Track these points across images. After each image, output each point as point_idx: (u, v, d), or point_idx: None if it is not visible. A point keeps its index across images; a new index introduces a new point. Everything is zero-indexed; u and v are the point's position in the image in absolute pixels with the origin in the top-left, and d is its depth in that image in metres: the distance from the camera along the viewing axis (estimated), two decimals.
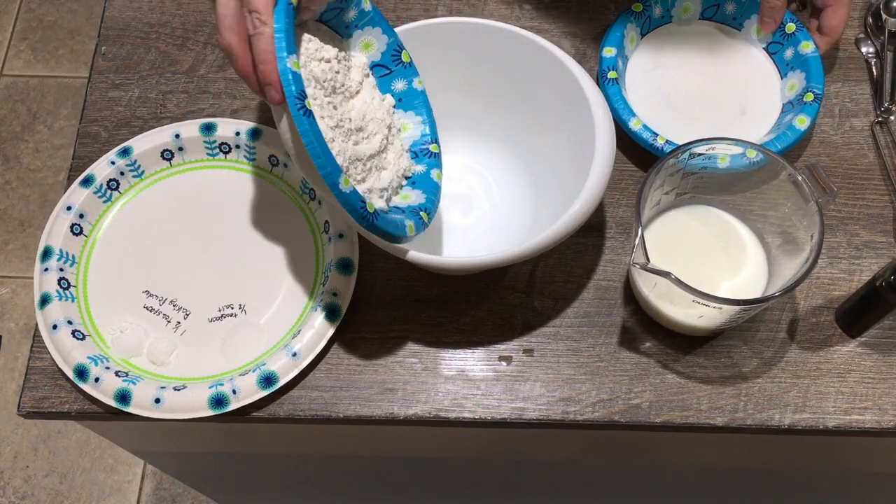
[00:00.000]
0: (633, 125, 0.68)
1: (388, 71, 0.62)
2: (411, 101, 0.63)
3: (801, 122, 0.68)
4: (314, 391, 0.64)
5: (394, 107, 0.63)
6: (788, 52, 0.72)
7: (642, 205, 0.58)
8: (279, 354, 0.63)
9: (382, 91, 0.62)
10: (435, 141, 0.63)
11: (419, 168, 0.62)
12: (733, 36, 0.75)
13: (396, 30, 0.63)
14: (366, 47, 0.62)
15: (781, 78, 0.73)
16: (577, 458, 0.83)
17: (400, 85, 0.63)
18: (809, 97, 0.69)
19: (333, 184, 0.51)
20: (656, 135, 0.68)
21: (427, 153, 0.63)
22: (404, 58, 0.62)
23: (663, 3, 0.74)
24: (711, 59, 0.74)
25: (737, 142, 0.60)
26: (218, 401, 0.62)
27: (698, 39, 0.75)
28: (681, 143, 0.66)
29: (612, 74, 0.71)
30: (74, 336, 0.64)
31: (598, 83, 0.72)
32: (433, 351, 0.66)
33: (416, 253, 0.58)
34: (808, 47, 0.71)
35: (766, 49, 0.74)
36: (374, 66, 0.62)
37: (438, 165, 0.63)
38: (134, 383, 0.62)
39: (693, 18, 0.75)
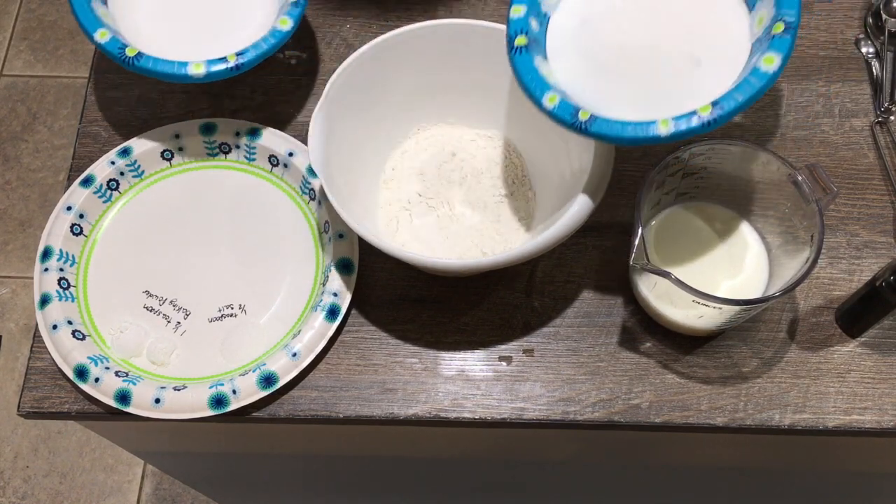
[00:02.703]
0: (548, 102, 0.55)
1: None
2: None
3: (769, 62, 0.52)
4: (314, 391, 0.64)
5: None
6: None
7: (642, 205, 0.58)
8: (279, 354, 0.63)
9: None
10: None
11: None
12: None
13: (396, 30, 0.64)
14: None
15: (749, 10, 0.57)
16: (577, 458, 0.83)
17: None
18: (779, 28, 0.53)
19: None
20: (578, 110, 0.55)
21: None
22: None
23: None
24: None
25: (737, 142, 0.60)
26: (218, 401, 0.62)
27: None
28: (613, 115, 0.55)
29: (520, 41, 0.57)
30: (74, 336, 0.64)
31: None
32: (433, 351, 0.66)
33: (415, 254, 0.58)
34: None
35: None
36: None
37: None
38: (134, 383, 0.62)
39: None
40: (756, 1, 0.56)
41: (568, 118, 0.55)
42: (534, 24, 0.59)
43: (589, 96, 0.57)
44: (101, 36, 0.67)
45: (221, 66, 0.67)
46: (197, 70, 0.66)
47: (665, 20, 0.58)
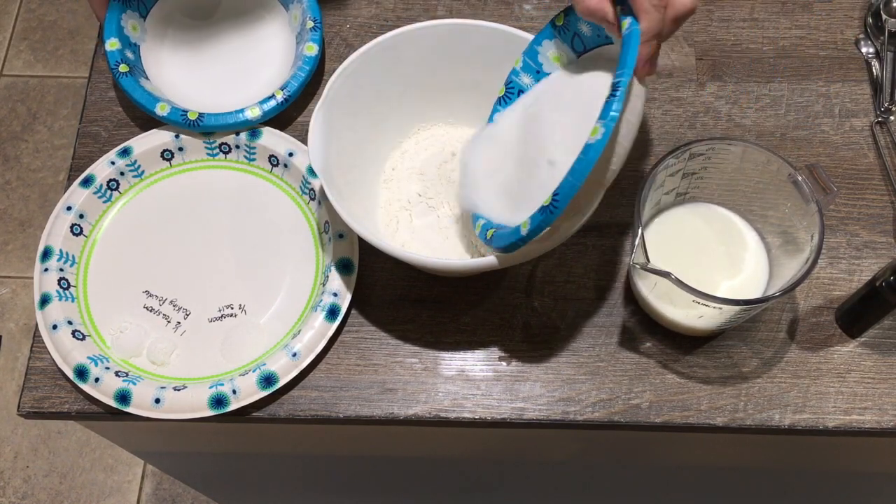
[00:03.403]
0: (476, 230, 0.62)
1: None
2: None
3: (594, 134, 0.50)
4: (314, 391, 0.64)
5: None
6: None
7: (642, 205, 0.58)
8: (279, 354, 0.63)
9: None
10: None
11: None
12: (606, 54, 0.59)
13: (396, 30, 0.64)
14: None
15: None
16: (577, 458, 0.83)
17: None
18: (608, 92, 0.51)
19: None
20: (487, 230, 0.61)
21: None
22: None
23: (526, 68, 0.62)
24: (548, 105, 0.61)
25: (737, 142, 0.60)
26: (218, 401, 0.62)
27: (572, 83, 0.62)
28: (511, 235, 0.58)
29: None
30: (74, 336, 0.64)
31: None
32: (433, 351, 0.66)
33: (415, 254, 0.58)
34: (623, 25, 0.52)
35: None
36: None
37: None
38: (134, 383, 0.62)
39: (571, 63, 0.62)
40: None
41: (484, 238, 0.61)
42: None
43: (504, 216, 0.62)
44: (162, 109, 0.70)
45: (273, 104, 0.71)
46: (253, 114, 0.70)
47: (540, 133, 0.61)
